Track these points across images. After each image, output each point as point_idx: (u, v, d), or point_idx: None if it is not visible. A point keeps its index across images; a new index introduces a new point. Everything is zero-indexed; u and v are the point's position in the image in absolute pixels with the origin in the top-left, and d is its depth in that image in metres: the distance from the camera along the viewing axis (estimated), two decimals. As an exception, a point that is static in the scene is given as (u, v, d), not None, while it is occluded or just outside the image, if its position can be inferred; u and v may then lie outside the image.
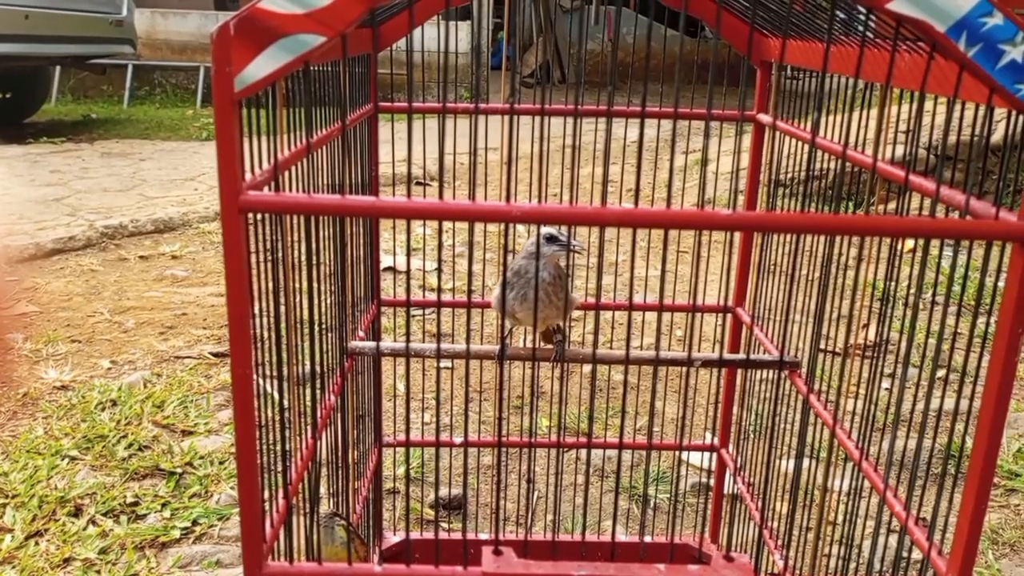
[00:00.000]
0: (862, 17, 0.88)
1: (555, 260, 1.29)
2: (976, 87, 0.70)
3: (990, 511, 2.07)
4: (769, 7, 1.14)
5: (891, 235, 0.69)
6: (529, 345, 1.33)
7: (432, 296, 3.25)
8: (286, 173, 0.83)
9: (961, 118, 0.84)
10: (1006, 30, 0.65)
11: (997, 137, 4.18)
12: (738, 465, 1.50)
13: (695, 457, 2.24)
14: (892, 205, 0.93)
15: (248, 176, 0.71)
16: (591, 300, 1.54)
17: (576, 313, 2.23)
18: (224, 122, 0.65)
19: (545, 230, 1.25)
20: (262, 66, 0.64)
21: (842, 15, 1.02)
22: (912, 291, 0.83)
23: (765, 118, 1.38)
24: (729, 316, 1.53)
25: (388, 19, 1.27)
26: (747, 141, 1.45)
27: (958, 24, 0.65)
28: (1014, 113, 0.71)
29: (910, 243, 3.35)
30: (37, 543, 1.83)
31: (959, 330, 2.50)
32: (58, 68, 9.38)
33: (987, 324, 0.75)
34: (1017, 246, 0.70)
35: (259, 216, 0.78)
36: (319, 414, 1.07)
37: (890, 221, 0.67)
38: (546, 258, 1.27)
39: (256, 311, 0.76)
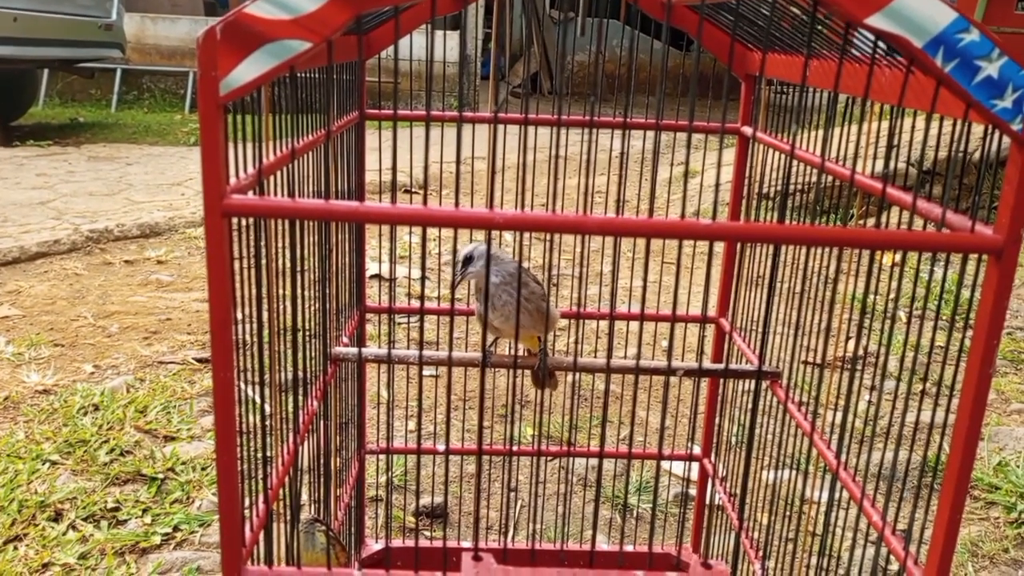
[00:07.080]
0: (843, 32, 0.89)
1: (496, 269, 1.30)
2: (954, 102, 0.71)
3: (970, 524, 2.08)
4: (753, 21, 1.15)
5: (867, 247, 0.69)
6: (513, 353, 1.33)
7: (418, 304, 3.24)
8: (271, 179, 0.83)
9: (939, 134, 0.85)
10: (982, 46, 0.66)
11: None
12: (720, 475, 1.51)
13: (677, 467, 2.25)
14: (873, 221, 0.94)
15: (232, 180, 0.71)
16: (574, 309, 1.55)
17: (562, 323, 2.24)
18: (209, 126, 0.65)
19: (467, 251, 1.28)
20: (247, 71, 0.65)
21: (826, 32, 1.03)
22: (891, 304, 0.84)
23: (749, 130, 1.39)
24: (713, 327, 1.53)
25: (376, 27, 1.28)
26: (733, 154, 1.47)
27: (935, 40, 0.66)
28: (991, 128, 0.72)
29: (896, 256, 3.37)
30: (16, 548, 1.81)
31: (938, 343, 2.52)
32: (46, 71, 9.36)
33: (963, 337, 0.75)
34: (992, 259, 0.71)
35: (244, 222, 0.78)
36: (301, 420, 1.07)
37: (866, 233, 0.68)
38: (470, 277, 1.29)
39: (239, 317, 0.76)
